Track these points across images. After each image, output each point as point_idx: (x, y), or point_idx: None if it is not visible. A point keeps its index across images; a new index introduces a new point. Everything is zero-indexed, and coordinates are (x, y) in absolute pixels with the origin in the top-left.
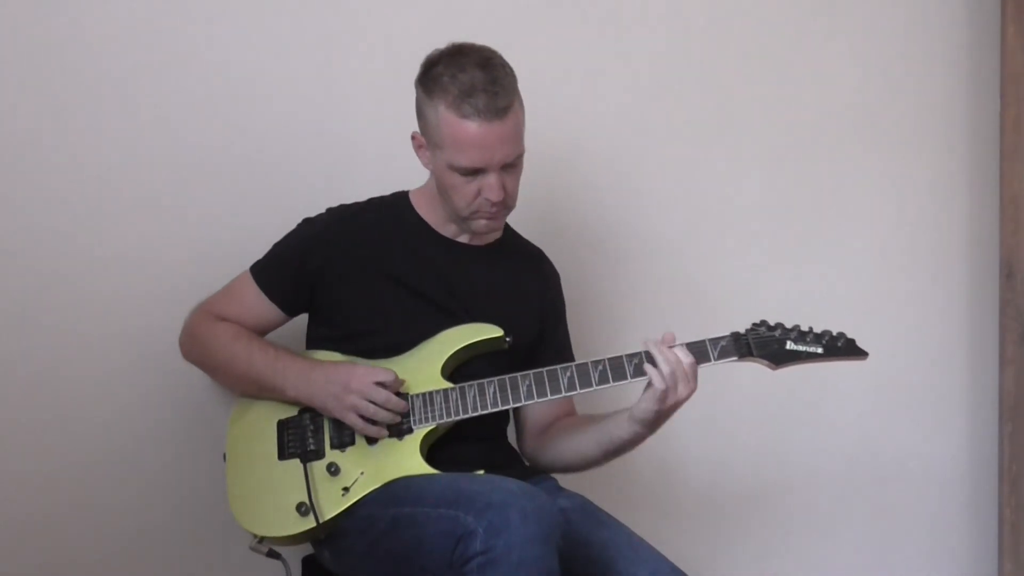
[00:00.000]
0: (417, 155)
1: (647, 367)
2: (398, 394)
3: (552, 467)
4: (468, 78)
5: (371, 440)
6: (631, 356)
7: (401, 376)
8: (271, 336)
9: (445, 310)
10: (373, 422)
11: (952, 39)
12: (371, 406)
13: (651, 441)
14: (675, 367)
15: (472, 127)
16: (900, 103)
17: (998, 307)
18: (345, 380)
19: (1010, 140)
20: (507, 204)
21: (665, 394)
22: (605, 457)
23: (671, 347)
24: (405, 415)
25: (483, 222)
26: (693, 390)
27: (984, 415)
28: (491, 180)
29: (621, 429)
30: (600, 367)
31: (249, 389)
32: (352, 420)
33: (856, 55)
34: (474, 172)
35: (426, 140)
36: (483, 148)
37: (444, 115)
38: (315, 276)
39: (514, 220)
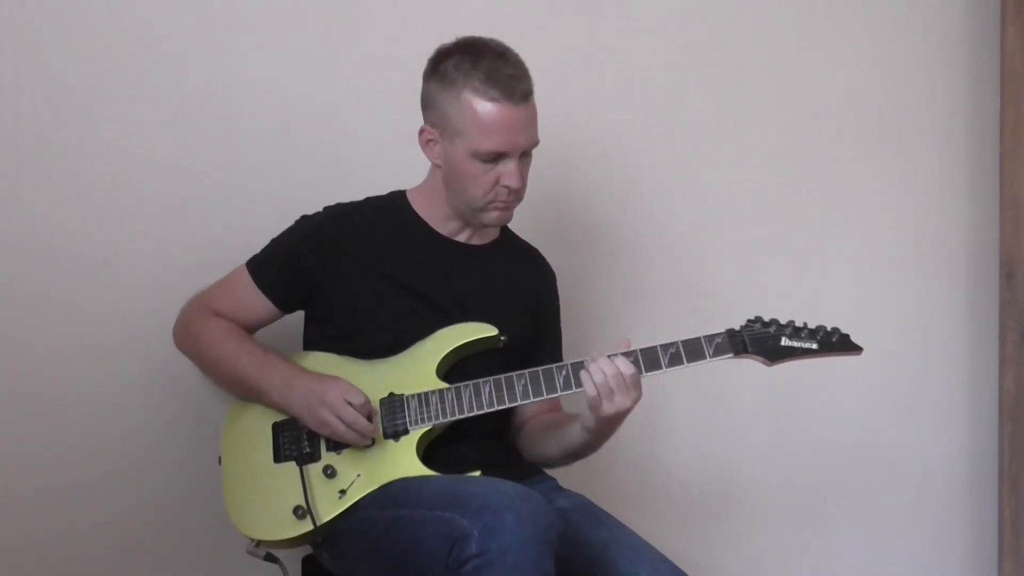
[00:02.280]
0: (424, 150)
1: (582, 375)
2: (393, 406)
3: (527, 462)
4: (491, 64)
5: None
6: (626, 354)
7: (396, 376)
8: (266, 332)
9: (441, 309)
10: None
11: (952, 39)
12: (340, 424)
13: (651, 441)
14: (610, 378)
15: (500, 109)
16: (900, 103)
17: (998, 307)
18: (320, 393)
19: (1010, 140)
20: (520, 195)
21: (599, 403)
22: (566, 459)
23: (613, 356)
24: (401, 419)
25: (496, 213)
26: (636, 399)
27: (984, 415)
28: (511, 167)
29: (575, 434)
30: None
31: (236, 390)
32: (324, 433)
33: (856, 55)
34: (495, 158)
35: (440, 131)
36: (509, 131)
37: (469, 100)
38: (311, 274)
39: (516, 219)
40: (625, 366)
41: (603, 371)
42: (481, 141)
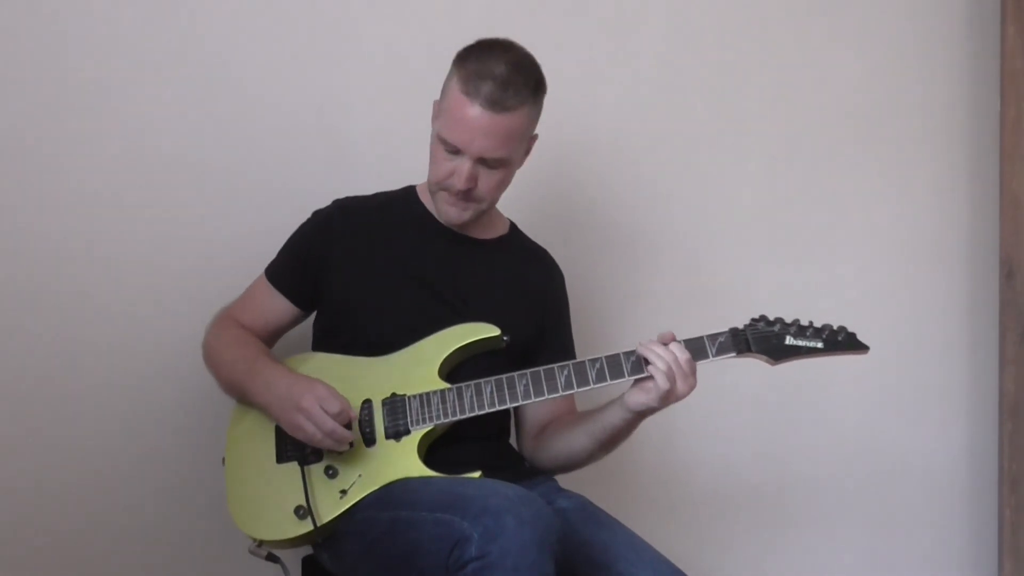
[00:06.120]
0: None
1: (651, 369)
2: (395, 406)
3: (551, 467)
4: (487, 64)
5: (369, 441)
6: (628, 354)
7: (398, 376)
8: (287, 337)
9: (446, 302)
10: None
11: (952, 39)
12: (317, 432)
13: (652, 441)
14: (671, 363)
15: (467, 105)
16: (900, 103)
17: (998, 307)
18: (297, 399)
19: (1010, 140)
20: (475, 197)
21: (665, 390)
22: (601, 448)
23: (667, 343)
24: (402, 420)
25: (445, 206)
26: (693, 386)
27: (984, 415)
28: (463, 166)
29: (615, 416)
30: (597, 365)
31: (234, 394)
32: (299, 437)
33: (857, 55)
34: (455, 151)
35: (437, 108)
36: (466, 129)
37: (452, 86)
38: (319, 264)
39: (518, 220)
40: (681, 352)
41: (664, 358)
42: (444, 127)
